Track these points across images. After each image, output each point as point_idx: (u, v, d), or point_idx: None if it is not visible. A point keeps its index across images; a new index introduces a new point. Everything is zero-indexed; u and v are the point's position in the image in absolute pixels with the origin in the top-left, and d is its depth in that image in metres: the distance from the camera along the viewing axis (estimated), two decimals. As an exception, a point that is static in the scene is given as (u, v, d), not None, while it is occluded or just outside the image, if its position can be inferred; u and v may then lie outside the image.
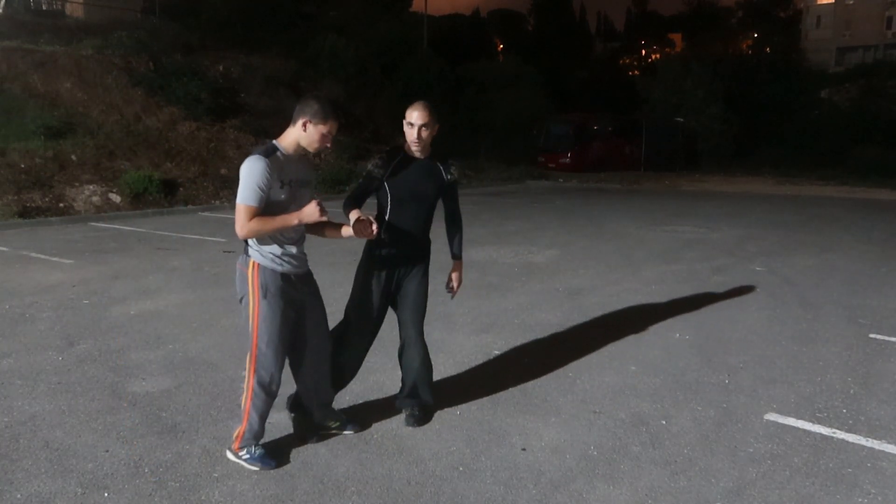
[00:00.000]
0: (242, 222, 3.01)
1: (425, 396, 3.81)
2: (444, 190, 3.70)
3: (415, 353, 3.75)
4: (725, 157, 28.52)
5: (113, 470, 3.20)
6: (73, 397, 4.04)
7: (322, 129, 3.09)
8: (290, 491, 3.04)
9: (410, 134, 3.52)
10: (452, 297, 3.95)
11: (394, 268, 3.65)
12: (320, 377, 3.48)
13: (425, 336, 3.79)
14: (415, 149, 3.56)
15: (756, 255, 8.99)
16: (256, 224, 3.01)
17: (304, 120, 3.08)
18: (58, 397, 4.04)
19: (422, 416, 3.79)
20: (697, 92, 28.83)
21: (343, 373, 3.74)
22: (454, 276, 3.86)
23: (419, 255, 3.71)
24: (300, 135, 3.10)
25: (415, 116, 3.48)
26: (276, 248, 3.14)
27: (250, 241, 3.13)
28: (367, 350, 3.79)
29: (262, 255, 3.14)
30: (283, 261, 3.16)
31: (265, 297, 3.12)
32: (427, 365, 3.79)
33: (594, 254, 9.03)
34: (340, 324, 3.74)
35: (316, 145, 3.13)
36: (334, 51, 23.27)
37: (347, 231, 3.25)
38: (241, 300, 3.20)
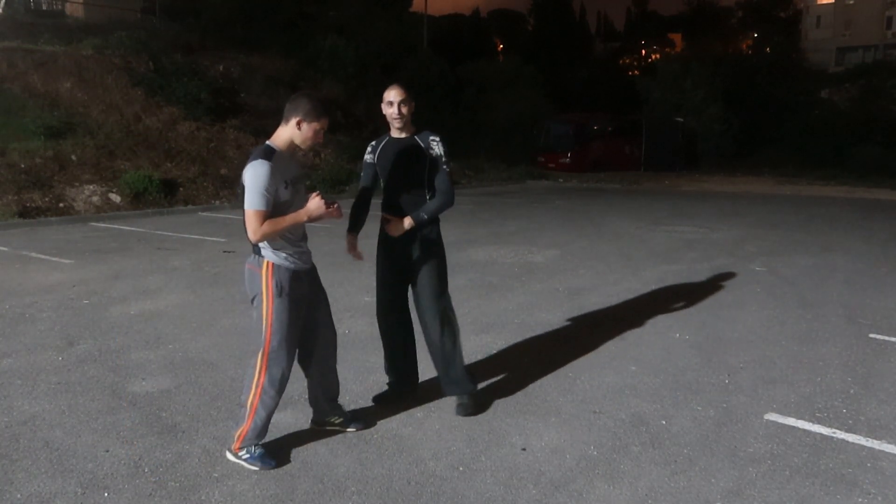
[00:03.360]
0: (255, 227, 3.06)
1: (464, 385, 3.83)
2: (431, 165, 3.74)
3: (433, 338, 3.79)
4: (725, 157, 28.49)
5: (113, 470, 3.20)
6: (73, 397, 4.04)
7: (316, 126, 3.20)
8: (290, 491, 3.05)
9: (391, 112, 3.68)
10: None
11: (399, 250, 3.76)
12: (327, 370, 3.55)
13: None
14: (397, 126, 3.71)
15: (756, 255, 8.99)
16: (269, 227, 3.07)
17: (297, 119, 3.16)
18: (58, 397, 4.04)
19: (471, 405, 3.83)
20: (697, 92, 28.79)
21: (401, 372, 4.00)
22: (393, 222, 3.70)
23: (423, 234, 3.75)
24: (294, 133, 3.19)
25: (392, 94, 3.68)
26: (287, 247, 3.21)
27: (262, 242, 3.16)
28: (402, 335, 3.93)
29: (276, 255, 3.19)
30: (295, 258, 3.24)
31: (280, 295, 3.16)
32: (446, 349, 3.79)
33: (594, 254, 9.02)
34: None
35: (309, 142, 3.23)
36: (334, 51, 23.25)
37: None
38: (252, 300, 3.23)
